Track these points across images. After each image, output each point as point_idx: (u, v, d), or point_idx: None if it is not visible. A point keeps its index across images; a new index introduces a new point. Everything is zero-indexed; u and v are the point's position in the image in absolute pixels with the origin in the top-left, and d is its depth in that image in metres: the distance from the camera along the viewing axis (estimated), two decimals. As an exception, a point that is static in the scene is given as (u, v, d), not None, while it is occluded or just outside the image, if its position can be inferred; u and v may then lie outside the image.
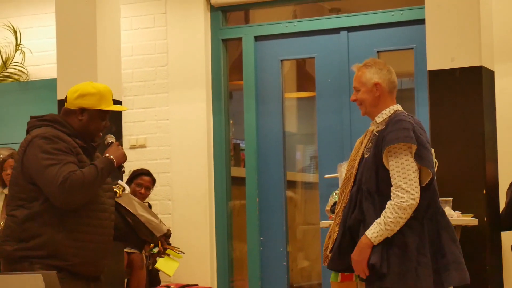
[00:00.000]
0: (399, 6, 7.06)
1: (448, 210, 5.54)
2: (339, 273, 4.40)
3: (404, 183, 4.05)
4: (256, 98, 7.46)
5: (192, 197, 7.45)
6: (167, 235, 4.28)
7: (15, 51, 8.01)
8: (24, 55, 8.01)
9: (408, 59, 7.12)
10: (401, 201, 4.03)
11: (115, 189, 4.19)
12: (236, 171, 7.71)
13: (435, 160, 5.68)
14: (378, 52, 7.06)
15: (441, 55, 5.91)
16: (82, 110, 4.05)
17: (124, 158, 4.07)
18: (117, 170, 4.07)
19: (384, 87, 4.27)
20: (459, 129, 5.86)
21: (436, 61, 5.93)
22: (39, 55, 8.00)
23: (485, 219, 5.71)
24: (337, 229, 4.25)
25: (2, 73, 8.05)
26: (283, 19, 7.60)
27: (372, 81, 4.26)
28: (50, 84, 7.45)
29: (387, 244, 4.06)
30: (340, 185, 4.35)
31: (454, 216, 5.54)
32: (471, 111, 5.85)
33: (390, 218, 4.03)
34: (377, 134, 4.22)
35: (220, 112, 7.53)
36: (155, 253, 4.27)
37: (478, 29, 5.83)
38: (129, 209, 4.22)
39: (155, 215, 4.29)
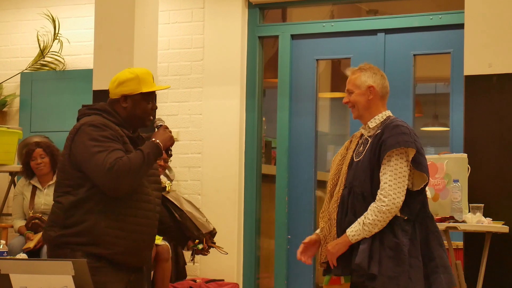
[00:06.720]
0: (438, 10, 7.01)
1: (479, 217, 5.51)
2: (330, 277, 4.39)
3: (388, 186, 4.07)
4: (290, 97, 7.45)
5: (222, 193, 7.46)
6: (213, 233, 4.31)
7: (53, 40, 8.07)
8: (61, 45, 8.07)
9: (444, 63, 7.08)
10: (381, 205, 4.05)
11: (164, 184, 4.19)
12: (267, 169, 7.71)
13: (468, 166, 5.66)
14: (414, 55, 7.03)
15: (479, 60, 5.87)
16: (125, 97, 4.06)
17: (171, 141, 4.05)
18: (164, 153, 4.05)
19: (378, 91, 4.29)
20: (493, 135, 5.82)
21: (473, 66, 5.90)
22: (77, 45, 8.06)
23: (516, 226, 5.68)
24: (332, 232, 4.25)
25: (39, 62, 8.12)
26: (320, 18, 7.59)
27: (366, 83, 4.29)
28: (86, 75, 7.50)
29: (379, 245, 4.08)
30: (328, 188, 4.35)
31: (485, 223, 5.50)
32: (506, 118, 5.81)
33: (369, 220, 4.07)
34: (369, 139, 4.23)
35: (253, 109, 7.53)
36: (199, 249, 4.28)
37: (517, 36, 5.80)
38: (177, 205, 4.23)
39: (201, 213, 4.31)
